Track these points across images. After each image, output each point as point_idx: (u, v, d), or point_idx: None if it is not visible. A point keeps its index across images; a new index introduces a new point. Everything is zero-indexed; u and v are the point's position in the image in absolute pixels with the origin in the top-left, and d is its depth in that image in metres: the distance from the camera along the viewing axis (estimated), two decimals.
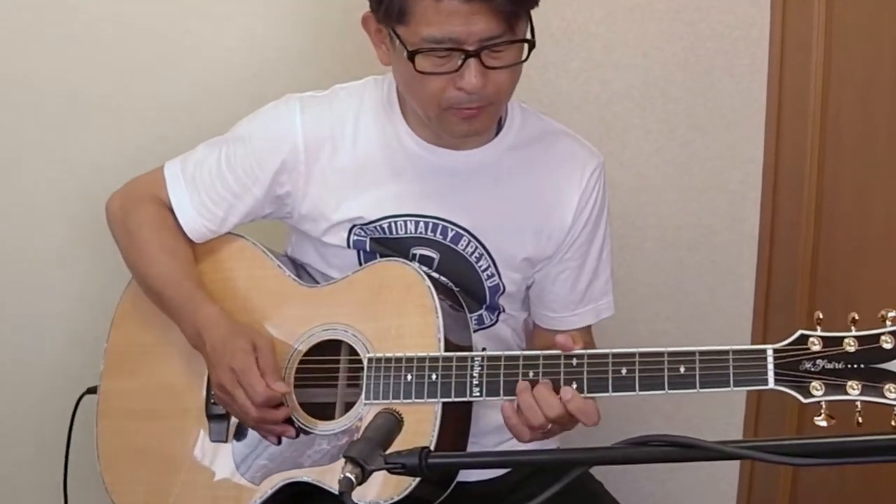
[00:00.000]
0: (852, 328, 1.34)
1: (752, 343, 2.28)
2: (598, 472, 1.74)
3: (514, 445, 1.71)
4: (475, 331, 1.68)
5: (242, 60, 2.21)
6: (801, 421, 2.11)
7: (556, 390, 1.49)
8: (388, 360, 1.57)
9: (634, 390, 1.46)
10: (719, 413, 2.35)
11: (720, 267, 2.34)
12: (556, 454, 1.34)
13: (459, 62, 1.50)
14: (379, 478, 1.21)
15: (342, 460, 1.14)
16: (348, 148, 1.68)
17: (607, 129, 2.26)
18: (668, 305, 2.34)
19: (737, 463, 2.34)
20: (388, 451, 1.17)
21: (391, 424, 1.22)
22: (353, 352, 1.64)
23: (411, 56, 1.50)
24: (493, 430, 1.73)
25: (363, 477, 1.13)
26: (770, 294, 2.30)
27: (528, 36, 1.53)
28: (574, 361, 1.49)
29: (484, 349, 1.62)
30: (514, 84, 1.59)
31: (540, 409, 1.49)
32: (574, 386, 1.48)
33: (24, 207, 2.24)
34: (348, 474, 1.12)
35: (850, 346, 1.34)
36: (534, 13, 1.56)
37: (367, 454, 1.15)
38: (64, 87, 2.20)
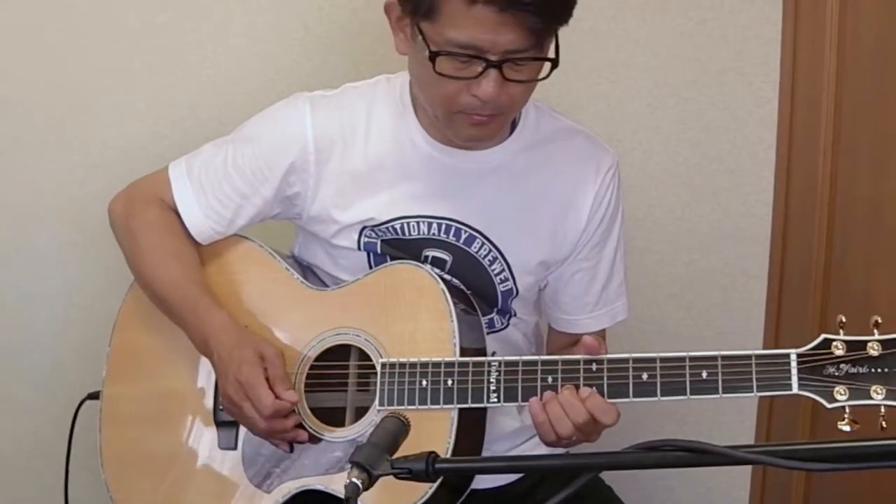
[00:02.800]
0: (875, 332, 1.34)
1: (764, 344, 2.31)
2: (608, 477, 1.75)
3: (525, 451, 1.76)
4: (487, 334, 1.67)
5: (243, 58, 2.22)
6: (814, 425, 2.11)
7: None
8: (402, 365, 1.57)
9: (656, 396, 1.46)
10: (731, 417, 2.35)
11: (732, 268, 2.34)
12: (566, 459, 1.33)
13: (479, 70, 1.49)
14: (392, 485, 1.20)
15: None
16: (360, 149, 1.67)
17: (617, 129, 2.26)
18: (678, 307, 2.35)
19: (749, 468, 2.35)
20: (394, 456, 1.17)
21: (397, 429, 1.21)
22: (362, 356, 1.63)
23: (433, 57, 1.49)
24: (504, 436, 1.74)
25: (369, 482, 1.13)
26: (782, 295, 2.30)
27: (552, 54, 1.52)
28: (594, 366, 1.48)
29: (494, 353, 1.62)
30: (529, 95, 1.58)
31: (567, 415, 1.49)
32: (594, 391, 1.49)
33: (22, 207, 2.25)
34: (354, 480, 1.12)
35: (874, 350, 1.34)
36: None
37: (373, 459, 1.14)
38: (62, 85, 2.20)
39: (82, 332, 2.24)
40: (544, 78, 1.54)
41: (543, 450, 1.68)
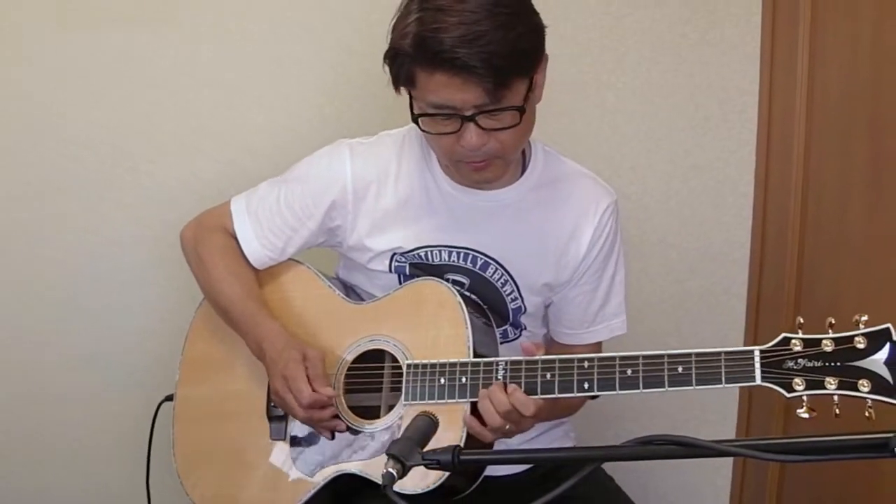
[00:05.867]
0: (829, 331, 1.40)
1: None
2: (608, 468, 1.86)
3: (535, 445, 1.86)
4: (501, 343, 1.76)
5: (294, 107, 2.34)
6: (786, 422, 2.20)
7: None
8: (424, 365, 1.65)
9: (638, 388, 1.51)
10: (715, 415, 2.43)
11: (716, 287, 2.43)
12: (573, 451, 1.41)
13: (457, 125, 1.57)
14: (416, 470, 1.28)
15: (385, 455, 1.24)
16: (391, 188, 1.78)
17: (617, 168, 2.36)
18: (669, 321, 2.44)
19: (730, 460, 2.44)
20: (424, 449, 1.26)
21: (427, 425, 1.31)
22: (395, 360, 1.73)
23: (415, 120, 1.61)
24: None
25: (403, 472, 1.22)
26: (759, 311, 2.38)
27: (521, 102, 1.56)
28: (586, 364, 1.55)
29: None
30: (521, 138, 1.64)
31: (494, 408, 1.57)
32: (585, 385, 1.54)
33: (108, 237, 2.38)
34: (390, 469, 1.20)
35: (828, 347, 1.39)
36: (551, 63, 1.62)
37: (406, 452, 1.23)
38: (139, 130, 2.34)
39: (160, 344, 2.36)
40: (517, 125, 1.56)
41: (554, 444, 1.85)
